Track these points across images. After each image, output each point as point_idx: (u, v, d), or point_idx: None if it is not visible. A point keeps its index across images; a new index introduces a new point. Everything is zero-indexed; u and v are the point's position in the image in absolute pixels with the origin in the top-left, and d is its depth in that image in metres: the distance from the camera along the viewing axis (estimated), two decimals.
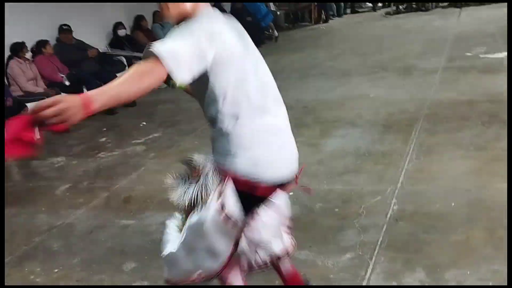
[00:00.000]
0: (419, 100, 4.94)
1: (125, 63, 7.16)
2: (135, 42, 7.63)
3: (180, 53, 1.26)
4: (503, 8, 9.59)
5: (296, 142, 1.71)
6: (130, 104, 6.30)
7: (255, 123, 1.51)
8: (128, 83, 1.21)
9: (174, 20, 1.52)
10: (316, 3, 12.25)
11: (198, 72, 1.34)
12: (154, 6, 8.35)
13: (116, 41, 7.45)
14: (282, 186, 1.59)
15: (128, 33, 7.76)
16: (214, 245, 1.55)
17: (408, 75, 6.05)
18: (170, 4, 1.49)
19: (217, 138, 1.55)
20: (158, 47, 1.26)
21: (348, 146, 4.07)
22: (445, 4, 11.40)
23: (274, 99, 1.61)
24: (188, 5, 1.48)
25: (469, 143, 3.70)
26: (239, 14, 10.12)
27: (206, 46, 1.33)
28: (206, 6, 1.53)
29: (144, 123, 5.64)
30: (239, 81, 1.46)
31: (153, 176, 3.95)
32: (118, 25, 7.47)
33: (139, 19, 7.99)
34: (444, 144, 3.77)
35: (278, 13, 12.08)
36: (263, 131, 1.53)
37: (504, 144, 3.50)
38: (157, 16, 8.33)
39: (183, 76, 1.28)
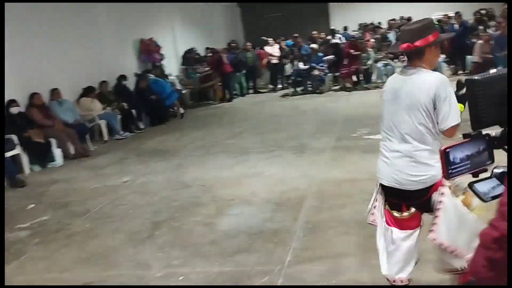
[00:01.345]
0: (310, 178, 5.25)
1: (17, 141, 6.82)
2: (29, 119, 7.35)
3: None
4: None
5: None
6: (19, 184, 5.96)
7: None
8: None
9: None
10: (220, 83, 12.81)
11: None
12: (51, 84, 8.23)
13: (9, 119, 7.10)
14: None
15: (22, 110, 7.47)
16: None
17: (302, 154, 6.44)
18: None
19: None
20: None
21: (242, 225, 4.16)
22: (337, 87, 12.49)
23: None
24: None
25: (351, 219, 3.96)
26: (142, 93, 10.27)
27: None
28: None
29: (33, 205, 5.32)
30: None
31: (35, 265, 3.69)
32: (10, 103, 7.18)
33: (33, 96, 7.73)
34: (328, 220, 4.01)
35: (184, 91, 12.42)
36: None
37: None
38: (55, 94, 8.18)
39: None
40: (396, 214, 2.37)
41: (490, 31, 11.64)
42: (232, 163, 6.36)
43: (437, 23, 13.39)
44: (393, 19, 14.62)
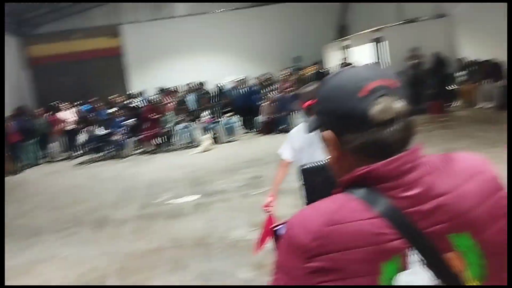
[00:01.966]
0: (111, 255, 4.92)
1: None
2: None
3: None
4: (185, 155, 11.04)
5: None
6: None
7: None
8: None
9: None
10: (8, 153, 11.45)
11: None
12: None
13: None
14: None
15: None
16: None
17: (102, 228, 6.03)
18: None
19: None
20: None
21: None
22: (139, 151, 12.34)
23: None
24: None
25: None
26: None
27: None
28: None
29: None
30: None
31: None
32: None
33: None
34: None
35: None
36: None
37: None
38: None
39: None
40: None
41: (272, 94, 13.12)
42: (21, 247, 5.59)
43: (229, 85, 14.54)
44: (190, 83, 15.37)
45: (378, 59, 13.63)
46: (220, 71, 17.29)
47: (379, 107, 0.89)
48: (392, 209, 0.88)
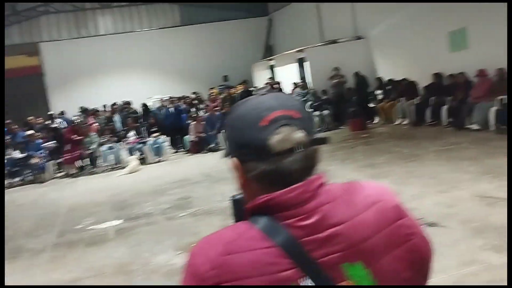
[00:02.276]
0: None
1: None
2: None
3: None
4: (111, 177, 10.67)
5: None
6: None
7: None
8: None
9: None
10: None
11: None
12: None
13: None
14: None
15: None
16: None
17: (16, 259, 5.62)
18: None
19: None
20: None
21: None
22: (61, 174, 11.76)
23: None
24: None
25: None
26: None
27: None
28: None
29: None
30: None
31: None
32: None
33: None
34: None
35: None
36: None
37: None
38: None
39: None
40: None
41: (201, 112, 13.10)
42: None
43: (155, 106, 14.33)
44: (115, 103, 14.97)
45: (302, 78, 14.09)
46: (148, 90, 17.01)
47: (278, 137, 0.91)
48: (288, 239, 0.89)
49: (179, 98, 14.41)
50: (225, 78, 18.43)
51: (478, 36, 9.91)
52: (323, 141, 0.99)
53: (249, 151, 0.93)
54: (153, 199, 7.74)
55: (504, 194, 4.98)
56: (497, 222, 4.23)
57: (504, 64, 9.09)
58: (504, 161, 6.35)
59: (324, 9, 15.69)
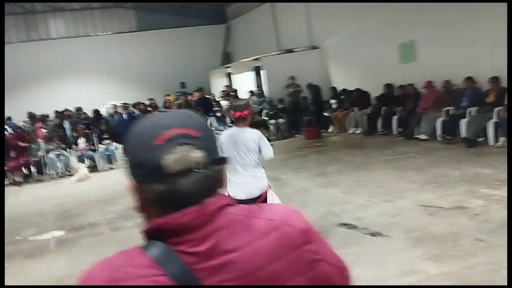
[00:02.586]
0: None
1: None
2: None
3: None
4: (58, 186, 10.28)
5: None
6: None
7: None
8: None
9: None
10: None
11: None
12: None
13: None
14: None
15: None
16: None
17: None
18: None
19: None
20: None
21: None
22: (7, 182, 11.24)
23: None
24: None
25: None
26: None
27: None
28: None
29: None
30: None
31: None
32: None
33: None
34: None
35: None
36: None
37: None
38: None
39: None
40: None
41: None
42: None
43: (108, 112, 14.00)
44: (66, 109, 14.51)
45: (258, 86, 14.13)
46: (102, 96, 16.58)
47: (174, 157, 0.86)
48: (179, 266, 0.84)
49: (134, 105, 14.14)
50: (183, 84, 18.25)
51: (427, 48, 10.24)
52: (223, 161, 0.93)
53: (143, 171, 0.88)
54: (99, 208, 7.49)
55: (445, 203, 5.11)
56: (437, 232, 4.32)
57: (450, 76, 9.43)
58: (447, 171, 6.55)
59: (280, 18, 15.83)
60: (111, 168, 11.44)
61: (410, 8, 10.31)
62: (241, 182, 3.71)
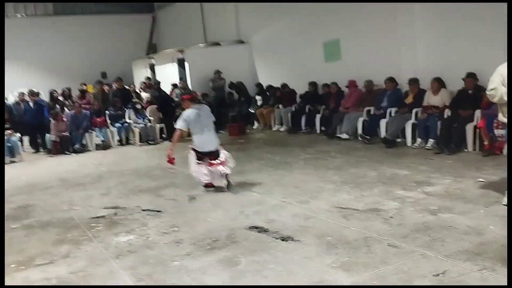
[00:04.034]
0: None
1: None
2: None
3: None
4: None
5: None
6: None
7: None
8: (175, 139, 6.10)
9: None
10: None
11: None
12: None
13: None
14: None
15: None
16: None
17: None
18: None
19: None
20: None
21: None
22: None
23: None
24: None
25: None
26: None
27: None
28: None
29: None
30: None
31: None
32: None
33: None
34: None
35: None
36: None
37: None
38: None
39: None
40: (213, 161, 5.97)
41: (67, 110, 11.86)
42: None
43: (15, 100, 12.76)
44: None
45: (181, 79, 13.51)
46: (13, 83, 15.13)
47: None
48: None
49: (51, 93, 12.99)
50: (104, 74, 17.19)
51: (351, 48, 10.18)
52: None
53: None
54: None
55: (360, 204, 4.89)
56: (350, 236, 4.03)
57: (372, 76, 9.41)
58: (366, 171, 6.40)
59: (208, 10, 15.29)
60: (12, 161, 10.34)
61: (335, 7, 10.21)
62: (208, 139, 6.09)
